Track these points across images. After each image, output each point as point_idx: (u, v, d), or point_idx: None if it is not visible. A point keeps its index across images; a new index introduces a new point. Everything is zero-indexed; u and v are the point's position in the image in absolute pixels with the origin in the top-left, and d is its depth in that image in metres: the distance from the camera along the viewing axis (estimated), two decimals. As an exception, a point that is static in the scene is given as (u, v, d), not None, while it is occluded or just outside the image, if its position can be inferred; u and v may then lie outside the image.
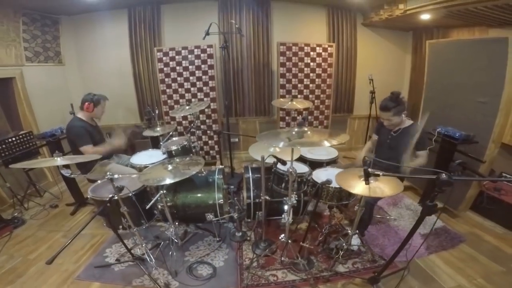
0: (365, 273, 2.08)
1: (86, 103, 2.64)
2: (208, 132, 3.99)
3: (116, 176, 2.27)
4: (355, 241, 2.22)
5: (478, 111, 2.49)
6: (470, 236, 2.49)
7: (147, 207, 1.99)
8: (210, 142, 4.08)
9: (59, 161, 1.84)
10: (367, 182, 1.57)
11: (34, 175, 3.36)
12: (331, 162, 2.75)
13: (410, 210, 2.92)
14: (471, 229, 2.60)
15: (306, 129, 1.64)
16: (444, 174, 1.35)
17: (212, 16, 3.78)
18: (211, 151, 4.14)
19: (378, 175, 1.53)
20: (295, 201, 1.89)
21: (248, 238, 2.51)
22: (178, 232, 2.52)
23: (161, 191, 2.08)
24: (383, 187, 1.69)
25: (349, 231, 2.08)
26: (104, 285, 2.06)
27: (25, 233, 2.72)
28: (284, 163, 1.91)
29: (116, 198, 1.90)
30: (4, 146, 2.89)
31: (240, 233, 2.53)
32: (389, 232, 2.57)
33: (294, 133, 1.63)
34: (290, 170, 1.72)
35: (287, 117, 4.02)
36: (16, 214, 2.97)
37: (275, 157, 1.95)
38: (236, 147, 4.52)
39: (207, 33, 2.73)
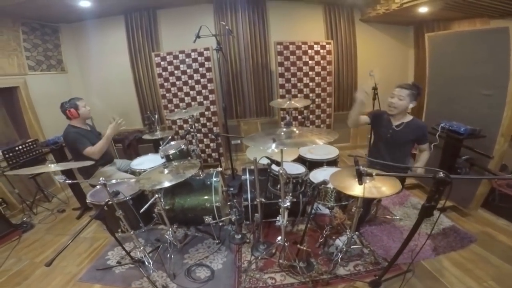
0: (367, 276, 2.01)
1: (67, 111, 2.59)
2: (210, 135, 3.99)
3: (114, 181, 2.35)
4: (343, 238, 2.16)
5: (484, 104, 2.36)
6: (482, 235, 2.36)
7: (141, 210, 1.99)
8: (212, 144, 4.08)
9: (52, 167, 1.88)
10: (360, 182, 1.50)
11: (42, 182, 3.46)
12: (331, 162, 2.68)
13: (417, 209, 2.80)
14: (483, 228, 2.46)
15: (294, 128, 1.59)
16: (441, 173, 1.28)
17: (207, 19, 3.80)
18: (213, 154, 4.14)
19: (371, 175, 1.47)
20: (289, 203, 1.83)
21: (248, 240, 2.48)
22: (178, 235, 2.53)
23: (156, 195, 2.08)
24: (380, 186, 1.63)
25: (348, 233, 2.01)
26: (104, 287, 2.11)
27: (33, 237, 2.81)
28: (278, 164, 1.87)
29: (111, 202, 1.90)
30: (12, 154, 3.01)
31: (240, 236, 2.50)
32: (394, 233, 2.47)
33: (282, 133, 1.59)
34: (281, 171, 1.67)
35: (287, 117, 3.96)
36: (25, 219, 3.07)
37: (268, 158, 1.91)
38: (239, 149, 4.51)
39: (198, 36, 2.73)
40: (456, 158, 2.49)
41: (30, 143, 3.22)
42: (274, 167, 1.98)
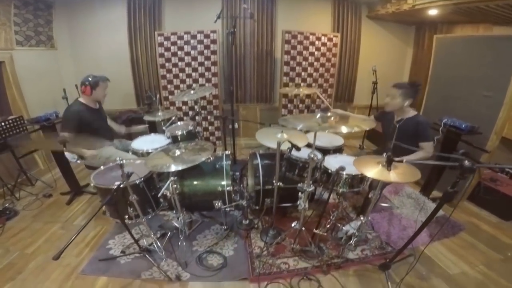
0: (374, 260, 2.11)
1: (83, 86, 2.49)
2: (209, 117, 3.92)
3: (124, 161, 2.18)
4: (354, 223, 2.26)
5: (482, 104, 2.57)
6: (468, 225, 2.58)
7: (159, 195, 1.89)
8: (210, 128, 4.02)
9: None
10: (389, 168, 1.58)
11: (24, 163, 3.17)
12: (337, 150, 2.74)
13: (412, 198, 2.96)
14: (468, 218, 2.68)
15: (329, 114, 1.61)
16: (466, 161, 1.38)
17: (215, 2, 3.67)
18: (211, 137, 4.11)
19: (401, 161, 1.54)
20: (312, 188, 1.86)
21: (256, 226, 2.48)
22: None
23: (172, 178, 1.99)
24: (402, 173, 1.70)
25: (361, 218, 2.09)
26: (111, 280, 1.95)
27: (19, 225, 2.54)
28: (298, 149, 1.88)
29: (123, 186, 1.77)
30: (-8, 130, 2.69)
31: (247, 221, 2.49)
32: (393, 220, 2.61)
33: (317, 117, 1.60)
34: (312, 156, 1.69)
35: (289, 105, 4.01)
36: (7, 204, 2.77)
37: (290, 142, 1.91)
38: (236, 133, 4.47)
39: (218, 17, 2.63)
40: (453, 151, 2.68)
41: (13, 120, 2.89)
42: (294, 151, 1.97)
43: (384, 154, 1.64)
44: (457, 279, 1.97)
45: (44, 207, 2.84)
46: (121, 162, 1.72)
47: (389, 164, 1.56)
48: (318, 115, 1.63)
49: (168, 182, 1.97)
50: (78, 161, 1.80)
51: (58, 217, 2.66)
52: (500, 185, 2.82)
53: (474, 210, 2.83)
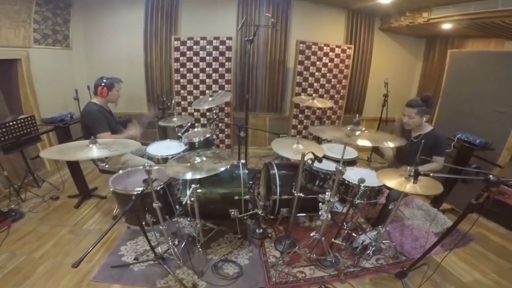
0: (389, 269, 2.13)
1: (99, 88, 2.47)
2: (220, 125, 3.92)
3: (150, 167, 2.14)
4: (370, 234, 2.29)
5: (495, 120, 2.63)
6: (478, 235, 2.63)
7: (183, 202, 1.88)
8: (220, 135, 4.02)
9: (95, 150, 1.68)
10: (415, 181, 1.62)
11: (32, 163, 3.12)
12: (351, 162, 2.77)
13: (422, 210, 3.01)
14: (477, 230, 2.72)
15: (362, 128, 1.66)
16: (491, 176, 1.43)
17: (231, 9, 3.74)
18: (221, 145, 4.12)
19: (428, 175, 1.58)
20: (337, 199, 1.88)
21: (270, 235, 2.48)
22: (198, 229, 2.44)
23: (193, 186, 1.98)
24: (425, 186, 1.74)
25: (381, 228, 2.12)
26: (125, 287, 1.91)
27: (25, 228, 2.46)
28: (320, 160, 1.91)
29: (146, 191, 1.74)
30: (3, 130, 2.62)
31: (261, 230, 2.49)
32: (404, 230, 2.65)
33: (349, 130, 1.64)
34: (340, 168, 1.72)
35: (300, 115, 4.04)
36: (13, 206, 2.70)
37: (313, 154, 1.93)
38: (242, 142, 4.48)
39: (243, 24, 2.66)
40: (465, 166, 2.73)
41: (25, 119, 2.82)
42: (316, 163, 2.00)
43: (408, 168, 1.71)
44: (470, 287, 2.02)
45: (51, 209, 2.78)
46: (149, 168, 1.71)
47: (415, 178, 1.60)
48: (349, 127, 1.68)
49: (191, 189, 1.96)
50: (106, 166, 1.77)
51: (66, 221, 2.60)
52: (508, 198, 2.87)
53: (482, 222, 2.88)
